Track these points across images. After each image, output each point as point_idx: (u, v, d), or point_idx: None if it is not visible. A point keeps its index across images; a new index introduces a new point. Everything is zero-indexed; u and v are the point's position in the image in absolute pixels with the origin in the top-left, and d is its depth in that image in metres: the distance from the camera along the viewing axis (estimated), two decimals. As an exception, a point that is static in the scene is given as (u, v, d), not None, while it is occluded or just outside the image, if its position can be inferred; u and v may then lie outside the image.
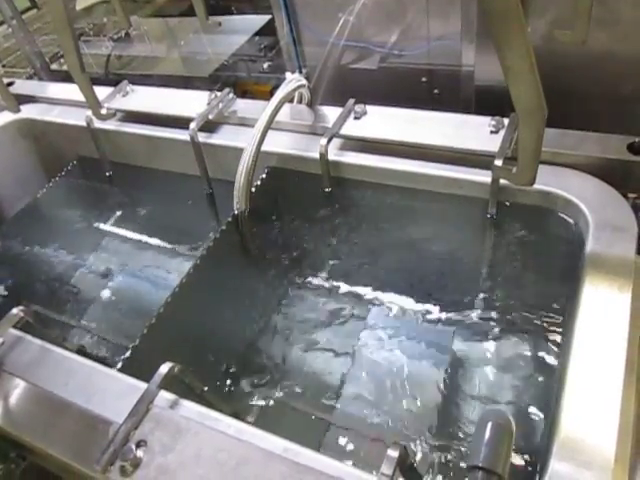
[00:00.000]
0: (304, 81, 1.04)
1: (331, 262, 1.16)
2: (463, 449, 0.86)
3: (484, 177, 0.88)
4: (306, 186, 1.05)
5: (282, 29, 1.28)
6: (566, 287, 0.84)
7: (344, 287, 1.13)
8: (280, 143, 1.05)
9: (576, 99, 0.93)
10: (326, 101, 1.10)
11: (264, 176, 1.06)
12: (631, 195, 0.84)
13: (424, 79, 1.20)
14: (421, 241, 1.05)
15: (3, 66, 1.84)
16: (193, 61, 1.65)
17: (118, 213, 1.40)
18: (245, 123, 1.10)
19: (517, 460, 0.78)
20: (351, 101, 1.02)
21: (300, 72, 1.10)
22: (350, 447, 0.91)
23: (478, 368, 0.95)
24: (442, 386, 0.94)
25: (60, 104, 1.34)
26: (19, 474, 0.81)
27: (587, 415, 0.59)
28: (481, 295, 1.02)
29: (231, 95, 1.14)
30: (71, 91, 1.23)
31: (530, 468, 0.74)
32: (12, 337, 0.79)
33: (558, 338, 0.90)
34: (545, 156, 0.75)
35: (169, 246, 1.30)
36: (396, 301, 1.08)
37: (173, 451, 0.61)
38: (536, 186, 0.77)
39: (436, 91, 1.20)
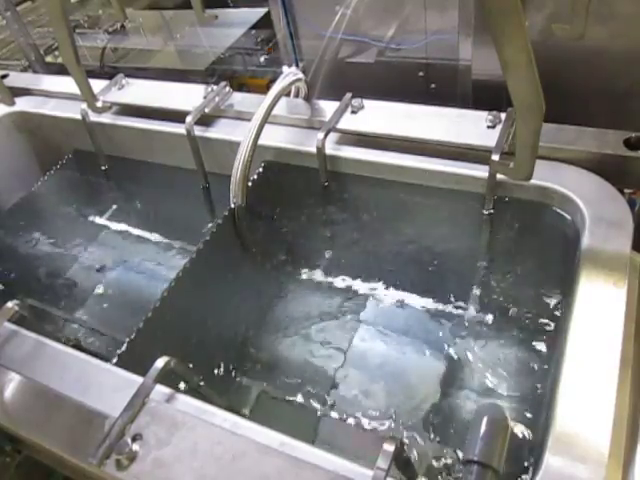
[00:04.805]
0: (301, 75, 1.04)
1: (328, 256, 1.16)
2: (459, 443, 0.86)
3: (481, 172, 0.88)
4: (303, 180, 1.05)
5: (279, 22, 1.28)
6: (562, 282, 0.84)
7: (340, 281, 1.13)
8: (277, 137, 1.05)
9: (573, 94, 0.93)
10: (323, 95, 1.09)
11: (261, 170, 1.06)
12: (627, 190, 0.84)
13: (421, 73, 1.19)
14: (418, 236, 1.05)
15: (-3, 58, 1.82)
16: (189, 54, 1.64)
17: (114, 207, 1.39)
18: (242, 117, 1.10)
19: (512, 453, 0.78)
20: (348, 95, 1.02)
21: (297, 66, 1.10)
22: (346, 441, 0.91)
23: (475, 362, 0.95)
24: (439, 380, 0.95)
25: (55, 97, 1.32)
26: (14, 467, 0.81)
27: (582, 409, 0.59)
28: (478, 290, 1.02)
29: (227, 88, 1.13)
30: (66, 84, 1.22)
31: (525, 462, 0.75)
32: (7, 331, 0.78)
33: (554, 333, 0.91)
34: (542, 151, 0.75)
35: (165, 240, 1.30)
36: (393, 296, 1.08)
37: (169, 445, 0.61)
38: (533, 181, 0.77)
39: (433, 85, 1.20)
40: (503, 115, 0.90)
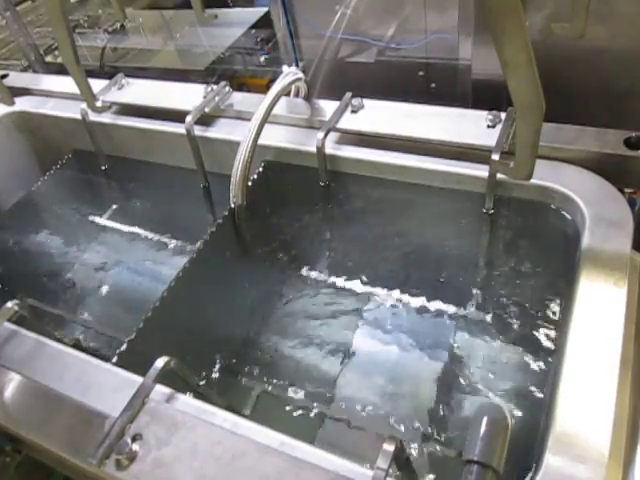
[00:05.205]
0: (301, 74, 1.03)
1: (328, 256, 1.16)
2: (459, 443, 0.86)
3: (481, 171, 0.88)
4: (303, 180, 1.05)
5: (279, 22, 1.28)
6: (562, 281, 0.84)
7: (341, 281, 1.13)
8: (277, 137, 1.05)
9: (574, 93, 0.93)
10: (323, 95, 1.09)
11: (261, 170, 1.06)
12: (627, 190, 0.84)
13: (421, 73, 1.19)
14: (418, 235, 1.05)
15: (-3, 58, 1.82)
16: (189, 54, 1.64)
17: (114, 206, 1.39)
18: (241, 116, 1.10)
19: (512, 453, 0.78)
20: (348, 95, 1.02)
21: (297, 65, 1.10)
22: (346, 441, 0.91)
23: (476, 362, 0.95)
24: (439, 380, 0.95)
25: (55, 97, 1.32)
26: (14, 467, 0.81)
27: (582, 410, 0.59)
28: (478, 289, 1.02)
29: (227, 88, 1.13)
30: (66, 84, 1.22)
31: (525, 462, 0.75)
32: (7, 331, 0.78)
33: (554, 332, 0.90)
34: (542, 150, 0.75)
35: (165, 240, 1.30)
36: (393, 295, 1.08)
37: (169, 445, 0.61)
38: (533, 181, 0.77)
39: (433, 85, 1.20)
40: (503, 115, 0.90)
